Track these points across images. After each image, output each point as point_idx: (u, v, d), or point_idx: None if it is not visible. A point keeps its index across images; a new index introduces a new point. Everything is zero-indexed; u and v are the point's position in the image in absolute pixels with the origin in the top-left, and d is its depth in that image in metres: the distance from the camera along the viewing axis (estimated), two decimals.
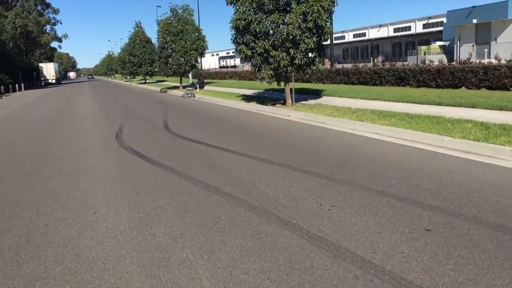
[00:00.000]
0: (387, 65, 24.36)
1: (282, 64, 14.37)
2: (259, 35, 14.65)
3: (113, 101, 26.60)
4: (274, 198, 5.35)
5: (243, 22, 14.33)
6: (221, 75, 51.03)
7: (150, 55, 47.65)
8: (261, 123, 12.32)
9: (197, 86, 31.70)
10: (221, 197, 5.57)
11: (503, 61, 18.92)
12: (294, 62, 14.39)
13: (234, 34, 15.40)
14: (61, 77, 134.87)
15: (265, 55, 14.88)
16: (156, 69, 39.20)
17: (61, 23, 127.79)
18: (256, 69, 15.19)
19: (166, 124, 13.18)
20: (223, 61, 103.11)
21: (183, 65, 31.96)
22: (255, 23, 14.16)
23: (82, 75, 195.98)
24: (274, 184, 5.95)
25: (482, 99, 12.29)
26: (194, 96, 24.20)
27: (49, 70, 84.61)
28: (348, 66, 28.90)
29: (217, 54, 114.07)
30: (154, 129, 12.26)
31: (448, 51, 53.36)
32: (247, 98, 19.57)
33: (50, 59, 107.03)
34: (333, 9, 14.35)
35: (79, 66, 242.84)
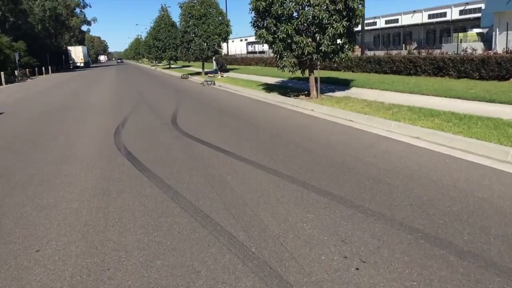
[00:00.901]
0: (423, 53, 22.27)
1: (306, 51, 12.71)
2: (281, 18, 13.00)
3: (131, 87, 25.44)
4: (280, 240, 3.85)
5: (263, 3, 12.71)
6: (247, 61, 49.37)
7: (174, 39, 46.32)
8: (280, 119, 10.77)
9: (218, 72, 30.25)
10: (209, 232, 4.11)
11: None
12: (320, 49, 12.71)
13: (254, 17, 13.81)
14: (91, 61, 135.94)
15: (288, 40, 13.22)
16: (178, 54, 37.93)
17: (90, 6, 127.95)
18: (278, 56, 13.57)
19: (175, 117, 11.80)
20: (251, 47, 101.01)
21: (206, 50, 30.48)
22: (277, 5, 12.51)
23: (113, 59, 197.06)
24: (283, 213, 4.45)
25: None
26: (214, 84, 22.76)
27: (77, 53, 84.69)
28: (380, 53, 26.85)
29: (246, 40, 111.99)
30: (160, 123, 10.90)
31: (486, 39, 50.19)
32: (269, 88, 17.99)
33: (80, 42, 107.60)
34: None
35: (110, 49, 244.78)
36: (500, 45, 42.14)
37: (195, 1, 30.36)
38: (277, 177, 5.73)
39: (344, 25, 12.32)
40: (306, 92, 14.97)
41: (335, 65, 19.23)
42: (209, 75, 29.31)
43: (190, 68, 45.77)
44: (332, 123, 9.76)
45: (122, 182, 5.97)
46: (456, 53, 21.60)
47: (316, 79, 13.83)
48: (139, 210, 4.83)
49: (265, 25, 13.27)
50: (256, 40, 13.32)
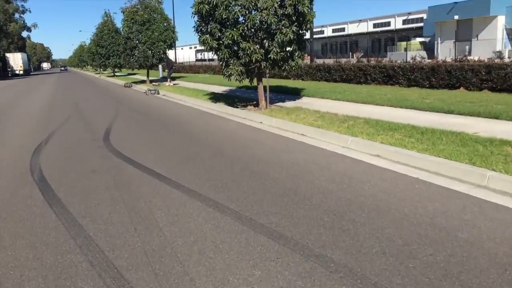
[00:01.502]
0: (373, 62, 22.00)
1: (254, 58, 11.75)
2: (227, 23, 11.99)
3: (68, 96, 23.57)
4: None
5: (206, 6, 11.64)
6: (195, 68, 48.06)
7: (118, 46, 44.29)
8: (225, 134, 9.71)
9: (168, 80, 28.76)
10: None
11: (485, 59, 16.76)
12: (269, 56, 11.80)
13: (197, 21, 12.70)
14: (32, 68, 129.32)
15: (234, 47, 12.24)
16: (121, 62, 36.04)
17: (30, 11, 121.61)
18: (223, 64, 12.52)
19: (108, 131, 10.46)
20: (200, 54, 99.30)
21: (150, 57, 28.96)
22: (222, 8, 11.48)
23: (58, 66, 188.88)
24: (222, 270, 3.38)
25: (502, 106, 9.93)
26: (158, 93, 21.38)
27: (16, 60, 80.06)
28: (329, 61, 26.48)
29: (195, 47, 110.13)
30: (89, 139, 9.54)
31: (428, 48, 51.71)
32: (215, 97, 16.90)
33: (21, 49, 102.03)
34: None
35: (54, 56, 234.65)
36: (442, 53, 43.39)
37: (138, 6, 28.85)
38: (217, 212, 4.65)
39: (294, 30, 11.48)
40: (255, 102, 14.02)
41: (284, 73, 18.40)
42: (154, 83, 27.84)
43: (135, 76, 43.90)
44: (282, 138, 8.80)
45: (23, 222, 4.69)
46: (405, 61, 21.43)
47: (265, 88, 12.91)
48: (32, 267, 3.61)
49: (209, 30, 12.21)
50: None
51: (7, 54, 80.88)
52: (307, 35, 15.50)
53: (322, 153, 7.25)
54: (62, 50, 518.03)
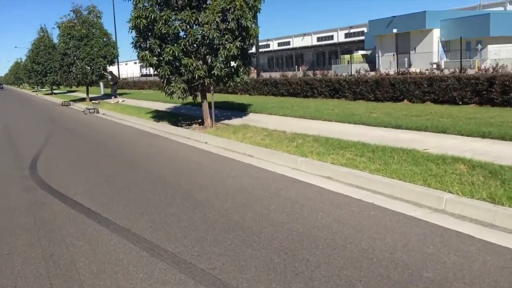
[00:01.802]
0: (319, 75, 22.03)
1: (197, 75, 11.17)
2: (167, 38, 11.37)
3: None
4: None
5: (144, 21, 10.95)
6: (140, 84, 46.79)
7: (56, 63, 42.27)
8: (167, 157, 9.03)
9: (113, 96, 27.54)
10: None
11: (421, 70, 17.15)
12: (213, 72, 11.27)
13: (135, 37, 11.98)
14: None
15: (176, 63, 11.63)
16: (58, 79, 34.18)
17: None
18: (165, 81, 11.84)
19: (37, 157, 9.50)
20: (145, 69, 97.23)
21: (89, 74, 27.64)
22: (160, 23, 10.85)
23: None
24: None
25: (448, 120, 9.90)
26: (98, 112, 20.28)
27: None
28: (276, 75, 26.34)
29: (141, 64, 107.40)
30: (13, 167, 8.56)
31: (370, 60, 53.29)
32: (159, 116, 16.13)
33: None
34: (259, 6, 11.44)
35: None
36: (383, 65, 44.71)
37: (75, 21, 27.55)
38: (152, 257, 4.01)
39: (238, 46, 11.03)
40: (200, 120, 13.41)
41: (230, 89, 17.93)
42: (94, 101, 26.54)
43: (75, 94, 42.02)
44: (229, 160, 8.24)
45: None
46: (350, 74, 21.60)
47: (210, 105, 12.34)
48: None
49: (148, 46, 11.53)
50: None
51: None
52: (253, 49, 15.14)
53: (271, 176, 6.76)
54: None
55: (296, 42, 79.17)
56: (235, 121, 13.01)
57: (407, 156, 6.58)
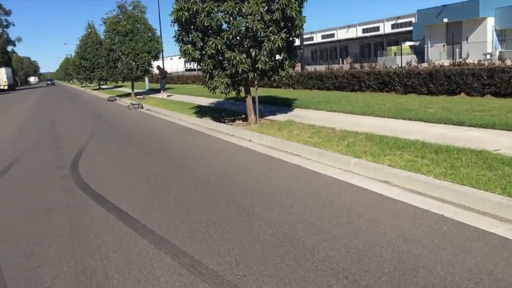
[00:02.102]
0: (366, 68, 21.11)
1: (240, 69, 10.70)
2: (209, 31, 10.95)
3: (47, 112, 22.33)
4: None
5: (186, 13, 10.57)
6: (184, 79, 47.12)
7: (102, 58, 43.13)
8: (210, 156, 8.61)
9: (163, 89, 27.45)
10: None
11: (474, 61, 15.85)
12: (257, 66, 10.76)
13: (177, 30, 11.65)
14: (18, 83, 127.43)
15: (219, 57, 11.21)
16: (104, 74, 34.71)
17: (13, 25, 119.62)
18: (207, 76, 11.45)
19: (79, 155, 9.35)
20: (189, 64, 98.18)
21: (134, 69, 27.85)
22: (203, 15, 10.44)
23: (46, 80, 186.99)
24: None
25: None
26: (142, 107, 20.27)
27: (0, 75, 78.38)
28: (321, 68, 25.56)
29: (184, 58, 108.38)
30: (55, 166, 8.41)
31: (418, 52, 51.17)
32: (202, 111, 15.82)
33: (7, 63, 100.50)
34: None
35: (42, 70, 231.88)
36: (432, 57, 42.75)
37: (120, 16, 27.78)
38: (192, 275, 3.56)
39: (283, 37, 10.45)
40: (244, 116, 12.96)
41: (274, 83, 17.34)
42: (139, 96, 26.71)
43: (121, 89, 42.74)
44: (275, 160, 7.72)
45: None
46: (400, 66, 20.54)
47: (253, 100, 11.85)
48: None
49: (190, 39, 11.15)
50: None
51: None
52: (297, 42, 14.51)
53: (322, 180, 6.18)
54: (49, 64, 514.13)
55: (341, 34, 77.37)
56: (280, 117, 12.46)
57: (477, 158, 5.82)
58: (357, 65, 23.40)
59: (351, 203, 5.06)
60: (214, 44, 10.52)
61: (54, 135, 13.33)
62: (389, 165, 6.07)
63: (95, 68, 43.84)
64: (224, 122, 12.60)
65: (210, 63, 10.99)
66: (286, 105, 15.39)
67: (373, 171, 6.06)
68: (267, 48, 10.53)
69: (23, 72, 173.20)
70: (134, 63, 27.65)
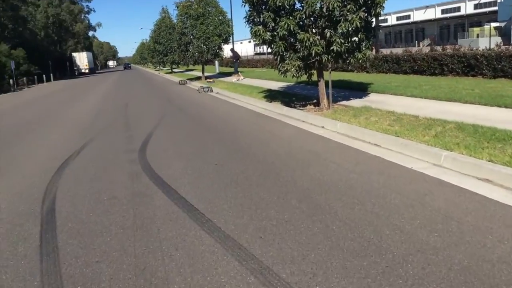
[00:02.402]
0: (449, 50, 19.51)
1: (314, 51, 10.03)
2: (282, 11, 10.34)
3: (121, 96, 22.96)
4: None
5: None
6: (253, 63, 46.78)
7: (175, 42, 43.85)
8: (280, 144, 8.09)
9: (236, 74, 26.98)
10: None
11: None
12: (332, 48, 10.03)
13: (248, 10, 11.17)
14: (99, 66, 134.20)
15: (291, 39, 10.61)
16: (176, 58, 35.02)
17: (94, 11, 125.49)
18: (278, 58, 10.89)
19: (148, 140, 9.22)
20: (259, 48, 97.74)
21: (205, 53, 27.91)
22: None
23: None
24: None
25: None
26: (211, 91, 20.16)
27: (82, 59, 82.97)
28: (397, 51, 24.04)
29: (254, 41, 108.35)
30: (124, 151, 8.30)
31: (504, 33, 47.24)
32: (271, 95, 15.33)
33: (88, 48, 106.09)
34: None
35: (120, 54, 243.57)
36: None
37: (192, 0, 27.84)
38: (263, 286, 3.08)
39: (362, 17, 9.63)
40: (315, 100, 12.29)
41: (349, 67, 16.44)
42: (208, 80, 26.74)
43: (193, 73, 43.29)
44: (351, 150, 7.05)
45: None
46: (489, 48, 18.73)
47: (326, 84, 11.15)
48: None
49: (261, 20, 10.63)
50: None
51: (74, 54, 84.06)
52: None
53: (407, 175, 5.45)
54: (127, 48, 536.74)
55: (417, 16, 73.44)
56: (354, 102, 11.67)
57: None
58: (439, 48, 21.71)
59: (446, 205, 4.33)
60: (286, 25, 9.92)
61: (125, 118, 13.46)
62: (489, 161, 5.22)
63: (168, 52, 44.75)
64: (295, 107, 12.02)
65: (282, 45, 10.41)
66: (360, 89, 14.48)
67: (469, 166, 5.24)
68: (344, 28, 9.76)
69: (103, 56, 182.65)
70: (204, 47, 27.69)
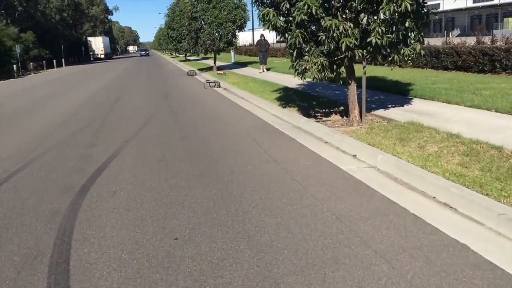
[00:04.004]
0: (499, 42, 16.30)
1: (344, 44, 7.14)
2: None
3: (119, 87, 20.41)
4: None
5: None
6: (272, 52, 43.65)
7: (184, 28, 40.94)
8: (290, 188, 5.19)
9: (262, 65, 23.49)
10: None
11: None
12: (370, 40, 7.13)
13: None
14: (117, 51, 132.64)
15: (311, 27, 7.74)
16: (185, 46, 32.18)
17: None
18: (294, 53, 8.01)
19: (102, 168, 6.49)
20: (280, 36, 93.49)
21: (217, 40, 25.05)
22: None
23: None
24: None
25: None
26: (219, 86, 17.37)
27: (97, 44, 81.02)
28: (435, 42, 20.74)
29: (263, 28, 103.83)
30: (52, 192, 5.60)
31: None
32: (286, 96, 12.46)
33: (107, 33, 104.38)
34: None
35: (142, 40, 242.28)
36: None
37: None
38: None
39: None
40: (342, 107, 9.43)
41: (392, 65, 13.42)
42: (218, 72, 23.90)
43: (207, 61, 40.49)
44: (409, 217, 4.17)
45: None
46: None
47: (358, 87, 8.28)
48: None
49: (273, 0, 7.78)
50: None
51: (89, 38, 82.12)
52: None
53: None
54: (148, 33, 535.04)
55: (447, 5, 69.05)
56: (394, 112, 8.76)
57: None
58: (486, 39, 18.45)
59: None
60: (306, 6, 7.04)
61: (102, 121, 10.79)
62: None
63: (182, 39, 41.97)
64: (315, 116, 9.19)
65: (299, 34, 7.55)
66: (398, 92, 11.51)
67: None
68: (387, 12, 6.83)
69: (123, 41, 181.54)
70: (217, 34, 24.86)
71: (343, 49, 7.26)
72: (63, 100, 16.60)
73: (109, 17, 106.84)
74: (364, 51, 7.59)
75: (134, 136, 8.66)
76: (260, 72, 22.65)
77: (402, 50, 7.59)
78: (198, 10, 25.19)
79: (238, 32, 26.46)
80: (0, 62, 38.15)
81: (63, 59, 58.25)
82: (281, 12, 7.87)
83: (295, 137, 7.80)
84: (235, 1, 25.33)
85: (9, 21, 52.25)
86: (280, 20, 7.70)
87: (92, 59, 78.29)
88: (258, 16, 8.09)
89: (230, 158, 6.68)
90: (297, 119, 9.04)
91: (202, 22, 25.48)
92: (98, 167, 6.51)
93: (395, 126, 7.39)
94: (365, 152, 6.14)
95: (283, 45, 48.44)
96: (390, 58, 7.81)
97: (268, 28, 7.98)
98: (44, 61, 49.39)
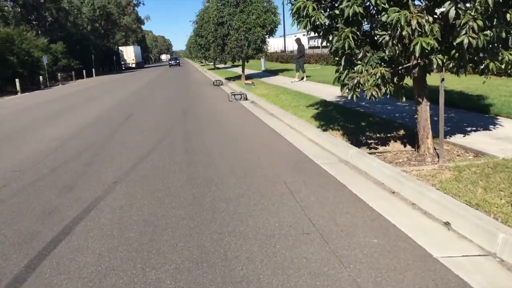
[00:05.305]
0: None
1: (419, 46, 4.79)
2: None
3: (139, 98, 18.47)
4: None
5: None
6: (305, 58, 41.25)
7: (210, 34, 39.14)
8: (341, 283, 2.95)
9: (303, 69, 21.01)
10: None
11: None
12: (460, 41, 4.75)
13: None
14: (150, 60, 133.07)
15: (366, 23, 5.44)
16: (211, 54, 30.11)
17: (143, 4, 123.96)
18: (342, 61, 5.68)
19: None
20: (314, 41, 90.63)
21: (245, 47, 22.95)
22: None
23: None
24: None
25: None
26: (246, 98, 15.18)
27: (129, 53, 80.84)
28: None
29: (297, 27, 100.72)
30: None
31: None
32: (326, 113, 10.13)
33: (140, 42, 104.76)
34: None
35: (175, 48, 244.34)
36: None
37: None
38: None
39: None
40: (403, 133, 7.03)
41: (486, 77, 10.76)
42: (246, 81, 21.75)
43: (237, 69, 38.50)
44: None
45: None
46: None
47: (430, 107, 5.88)
48: None
49: None
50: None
51: (121, 48, 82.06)
52: None
53: None
54: (181, 42, 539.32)
55: None
56: (479, 140, 6.31)
57: None
58: None
59: None
60: None
61: (98, 149, 8.74)
62: None
63: (210, 46, 40.18)
64: (367, 144, 6.83)
65: (350, 35, 5.22)
66: (471, 107, 8.99)
67: None
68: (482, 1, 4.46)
69: (157, 50, 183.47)
70: (245, 40, 22.77)
71: (417, 54, 4.89)
72: (72, 116, 14.80)
73: (142, 26, 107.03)
74: (445, 56, 5.20)
75: (128, 173, 6.55)
76: (295, 80, 20.44)
77: (503, 56, 5.15)
78: (225, 15, 23.20)
79: (268, 37, 24.30)
80: (28, 73, 37.37)
81: (93, 69, 57.68)
82: (323, 5, 5.61)
83: (345, 182, 5.44)
84: (265, 4, 23.22)
85: (39, 32, 51.94)
86: (322, 15, 5.42)
87: (123, 68, 78.10)
88: (291, 11, 5.81)
89: (249, 222, 4.41)
90: (344, 149, 6.68)
91: (229, 28, 23.47)
92: (57, 233, 4.39)
93: (497, 165, 4.95)
94: (468, 220, 3.75)
95: (316, 51, 45.88)
96: (482, 66, 5.35)
97: (305, 27, 5.69)
98: (73, 72, 48.62)
